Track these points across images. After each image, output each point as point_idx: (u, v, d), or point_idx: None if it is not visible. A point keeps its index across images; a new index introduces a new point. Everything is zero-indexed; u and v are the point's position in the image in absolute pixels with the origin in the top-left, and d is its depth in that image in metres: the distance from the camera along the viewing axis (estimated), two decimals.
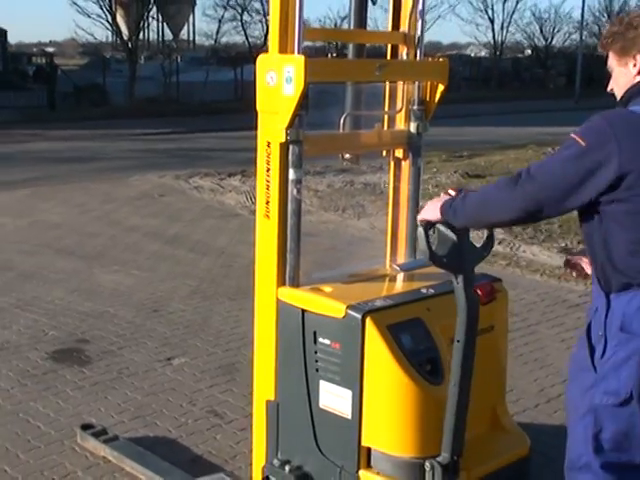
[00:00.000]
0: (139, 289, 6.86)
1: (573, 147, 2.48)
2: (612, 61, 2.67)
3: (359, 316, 3.00)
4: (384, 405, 3.04)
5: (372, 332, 2.99)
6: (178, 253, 8.21)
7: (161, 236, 8.97)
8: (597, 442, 2.57)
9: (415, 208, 3.57)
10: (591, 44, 49.21)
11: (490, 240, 2.99)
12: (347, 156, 3.59)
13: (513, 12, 45.93)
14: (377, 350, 2.99)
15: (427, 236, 2.81)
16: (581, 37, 40.99)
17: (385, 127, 3.61)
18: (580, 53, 38.66)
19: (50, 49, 56.14)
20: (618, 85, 2.67)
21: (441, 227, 2.81)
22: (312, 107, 3.18)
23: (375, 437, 3.07)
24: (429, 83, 3.54)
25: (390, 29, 3.56)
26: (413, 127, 3.53)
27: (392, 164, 3.65)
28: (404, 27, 3.51)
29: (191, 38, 45.76)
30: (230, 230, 9.38)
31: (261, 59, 3.18)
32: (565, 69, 44.29)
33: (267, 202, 3.24)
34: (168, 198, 11.58)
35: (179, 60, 34.02)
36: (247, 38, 40.33)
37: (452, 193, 2.81)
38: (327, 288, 3.25)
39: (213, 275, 7.35)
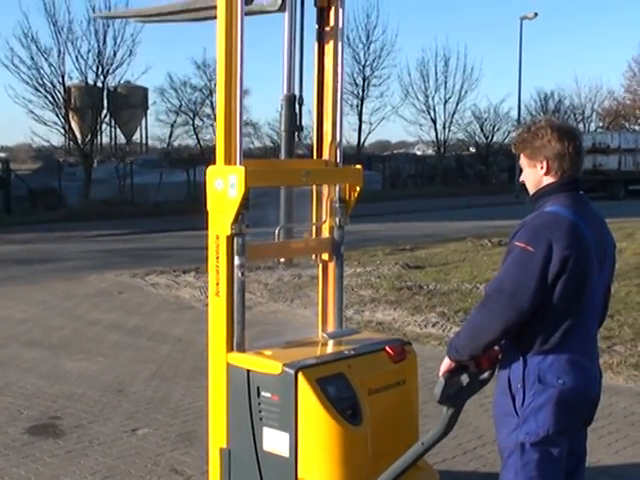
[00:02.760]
0: (104, 373, 7.51)
1: (521, 254, 3.08)
2: (523, 161, 3.31)
3: (292, 372, 3.74)
4: (315, 444, 3.76)
5: (303, 384, 3.72)
6: (138, 342, 8.88)
7: (121, 328, 9.64)
8: (526, 475, 3.20)
9: (340, 296, 4.45)
10: None
11: (490, 376, 3.37)
12: (282, 260, 4.47)
13: (454, 112, 47.87)
14: (308, 399, 3.72)
15: (445, 385, 3.26)
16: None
17: (313, 236, 4.47)
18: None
19: (2, 154, 56.75)
20: (529, 182, 3.33)
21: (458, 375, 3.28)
22: (252, 207, 4.02)
23: (309, 471, 3.77)
24: (348, 185, 4.39)
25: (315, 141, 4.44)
26: (336, 221, 4.38)
27: (320, 265, 4.51)
28: (326, 147, 4.39)
29: (144, 141, 46.96)
30: (186, 321, 10.09)
31: (210, 169, 4.00)
32: (506, 165, 46.02)
33: (217, 283, 4.02)
34: (126, 294, 12.26)
35: (132, 163, 34.94)
36: (199, 141, 41.65)
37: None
38: (267, 352, 4.02)
39: (171, 360, 8.04)
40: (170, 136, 42.94)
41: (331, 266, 4.48)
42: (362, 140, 43.87)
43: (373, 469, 3.79)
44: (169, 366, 7.78)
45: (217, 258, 4.01)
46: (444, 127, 47.84)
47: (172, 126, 42.69)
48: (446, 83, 47.59)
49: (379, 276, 13.17)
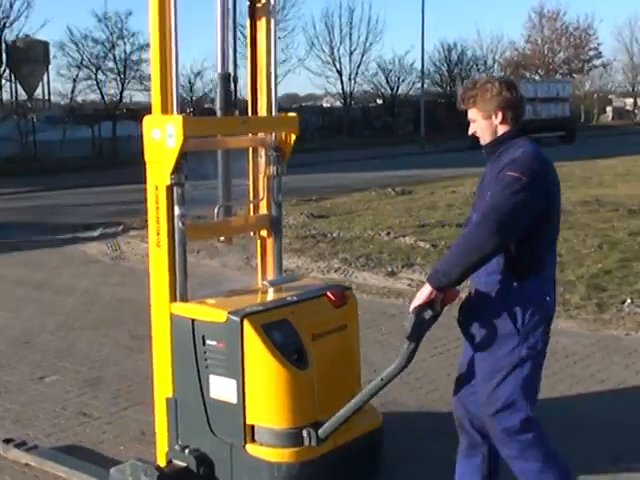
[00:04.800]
0: (9, 326, 7.59)
1: (515, 182, 3.33)
2: (475, 115, 3.59)
3: (238, 319, 3.79)
4: (263, 389, 3.84)
5: (249, 331, 3.79)
6: (44, 296, 8.95)
7: (27, 283, 9.67)
8: (524, 383, 3.51)
9: (280, 272, 4.52)
10: (434, 92, 52.06)
11: (440, 313, 3.50)
12: (222, 238, 4.53)
13: (359, 64, 48.16)
14: (254, 345, 3.79)
15: (415, 320, 3.37)
16: (422, 86, 43.35)
17: (251, 213, 4.52)
18: (422, 101, 40.88)
19: None
20: (484, 132, 3.60)
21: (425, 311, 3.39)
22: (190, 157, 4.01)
23: (257, 415, 3.86)
24: (284, 133, 4.45)
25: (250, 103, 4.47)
26: (272, 170, 4.40)
27: (259, 241, 4.57)
28: (261, 97, 4.44)
29: (46, 97, 45.84)
30: (92, 274, 10.16)
31: (147, 119, 3.98)
32: (412, 116, 46.62)
33: (158, 233, 4.01)
34: (32, 250, 12.23)
35: (35, 119, 34.19)
36: (103, 96, 40.88)
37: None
38: (211, 301, 4.06)
39: (77, 311, 8.15)
40: (73, 91, 41.98)
41: (269, 242, 4.53)
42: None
43: (319, 412, 3.92)
44: (75, 317, 7.89)
45: (157, 209, 4.00)
46: (350, 79, 48.23)
47: (74, 81, 41.67)
48: (351, 35, 47.91)
49: (284, 226, 13.40)
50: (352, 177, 23.59)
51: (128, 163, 30.50)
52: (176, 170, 3.92)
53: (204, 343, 3.93)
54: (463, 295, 3.72)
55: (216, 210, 4.34)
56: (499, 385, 3.55)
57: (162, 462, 4.13)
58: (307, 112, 45.42)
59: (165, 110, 3.98)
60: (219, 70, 4.32)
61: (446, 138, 40.16)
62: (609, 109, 72.32)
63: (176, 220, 3.98)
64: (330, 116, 47.67)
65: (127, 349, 6.75)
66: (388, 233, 12.16)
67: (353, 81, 47.93)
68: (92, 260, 11.32)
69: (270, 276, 4.56)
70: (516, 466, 3.63)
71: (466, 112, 3.67)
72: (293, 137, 4.44)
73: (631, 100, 74.42)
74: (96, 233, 13.53)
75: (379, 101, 52.33)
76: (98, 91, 40.76)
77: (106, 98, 40.21)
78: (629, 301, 7.76)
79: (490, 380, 3.58)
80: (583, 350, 6.48)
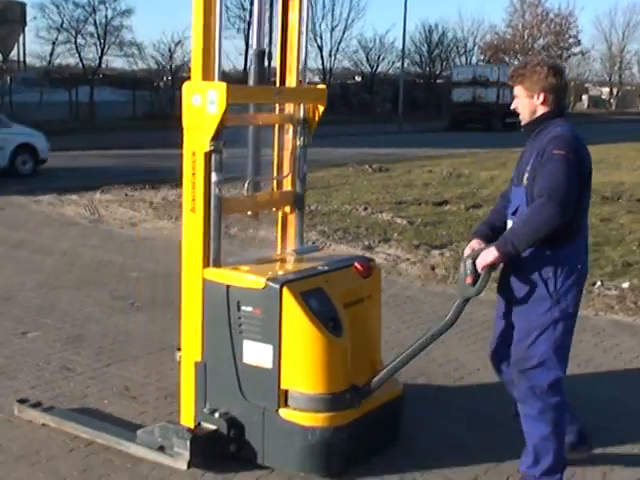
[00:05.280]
0: None
1: (564, 160, 3.65)
2: (520, 92, 3.89)
3: (277, 286, 3.87)
4: (300, 355, 3.91)
5: (288, 298, 3.86)
6: (23, 255, 9.00)
7: (5, 242, 9.71)
8: (556, 344, 3.81)
9: (301, 239, 4.61)
10: (413, 72, 52.17)
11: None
12: (249, 213, 4.61)
13: (340, 41, 48.12)
14: (293, 312, 3.86)
15: (487, 277, 3.78)
16: (402, 65, 43.41)
17: (275, 189, 4.58)
18: (402, 80, 40.98)
19: None
20: (525, 109, 3.90)
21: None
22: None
23: (292, 381, 3.93)
24: (312, 106, 4.52)
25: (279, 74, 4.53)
26: (299, 142, 4.48)
27: (280, 215, 4.62)
28: (290, 70, 4.51)
29: (22, 59, 45.37)
30: (71, 236, 10.21)
31: (187, 85, 3.98)
32: (390, 95, 46.74)
33: (193, 199, 4.02)
34: (9, 211, 12.26)
35: (12, 81, 33.88)
36: (81, 60, 40.58)
37: (476, 246, 3.95)
38: (244, 267, 4.09)
39: (58, 271, 8.22)
40: (51, 54, 41.67)
41: (292, 217, 4.59)
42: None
43: (352, 379, 4.04)
44: (55, 277, 7.97)
45: (193, 175, 4.01)
46: (330, 55, 48.15)
47: (53, 44, 41.41)
48: (333, 10, 47.89)
49: None
50: (329, 152, 23.53)
51: (105, 128, 30.62)
52: (216, 137, 3.94)
53: (239, 309, 3.98)
54: None
55: (246, 185, 4.40)
56: (533, 344, 3.84)
57: (189, 423, 4.18)
58: None
59: (207, 76, 3.97)
60: (254, 47, 4.38)
61: (424, 118, 40.36)
62: (585, 97, 72.88)
63: (213, 187, 4.01)
64: None
65: (109, 309, 6.84)
66: (365, 208, 12.30)
67: (333, 57, 47.98)
68: (70, 222, 11.36)
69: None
70: (528, 425, 3.89)
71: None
72: (321, 109, 4.51)
73: (607, 89, 75.07)
74: (74, 196, 13.55)
75: (358, 78, 52.38)
76: (77, 55, 40.49)
77: (85, 63, 39.95)
78: (599, 283, 7.97)
79: (525, 339, 3.86)
80: None
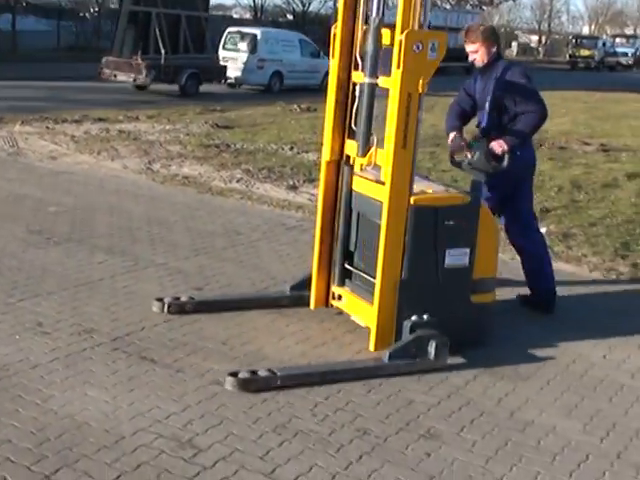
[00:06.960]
0: None
1: (528, 77, 5.40)
2: (479, 47, 5.41)
3: (477, 203, 4.86)
4: (485, 250, 4.92)
5: (485, 212, 4.97)
6: None
7: None
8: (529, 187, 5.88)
9: None
10: None
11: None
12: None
13: None
14: (487, 222, 4.95)
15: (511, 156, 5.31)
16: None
17: None
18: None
19: None
20: (483, 56, 5.44)
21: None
22: None
23: (481, 269, 4.91)
24: None
25: None
26: None
27: None
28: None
29: None
30: None
31: (409, 33, 4.37)
32: (321, 35, 46.21)
33: (405, 136, 4.50)
34: None
35: None
36: None
37: (458, 136, 5.59)
38: (438, 193, 4.86)
39: None
40: None
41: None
42: None
43: None
44: None
45: (407, 115, 4.46)
46: None
47: None
48: None
49: (188, 134, 13.35)
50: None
51: (27, 58, 29.66)
52: (429, 80, 4.46)
53: (444, 223, 4.71)
54: None
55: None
56: (519, 189, 5.77)
57: (389, 340, 4.72)
58: (216, 22, 44.53)
59: (422, 25, 4.49)
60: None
61: None
62: (514, 44, 73.33)
63: (419, 125, 4.55)
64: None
65: (24, 243, 6.67)
66: (291, 148, 12.24)
67: None
68: None
69: None
70: (527, 252, 5.90)
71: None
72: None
73: (536, 37, 75.67)
74: None
75: (290, 17, 51.67)
76: None
77: None
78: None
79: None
80: None
